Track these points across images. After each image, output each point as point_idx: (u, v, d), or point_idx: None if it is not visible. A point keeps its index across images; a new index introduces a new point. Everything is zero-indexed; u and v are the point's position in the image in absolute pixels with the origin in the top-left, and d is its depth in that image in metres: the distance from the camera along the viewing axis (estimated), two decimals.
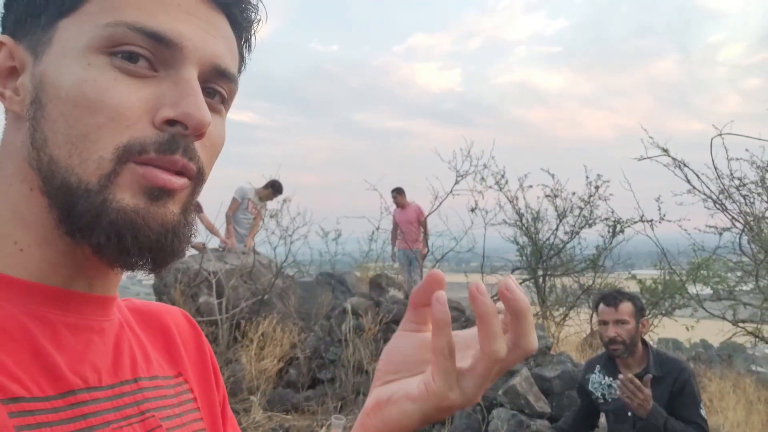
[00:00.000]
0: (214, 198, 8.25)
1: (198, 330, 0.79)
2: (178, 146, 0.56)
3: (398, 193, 8.86)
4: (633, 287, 9.50)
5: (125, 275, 0.64)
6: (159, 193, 0.55)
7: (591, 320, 8.99)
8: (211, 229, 8.05)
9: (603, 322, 3.03)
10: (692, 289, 9.15)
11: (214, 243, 8.12)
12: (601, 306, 3.07)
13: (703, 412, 2.90)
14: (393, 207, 9.15)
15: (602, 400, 3.08)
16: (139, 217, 0.54)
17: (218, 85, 0.61)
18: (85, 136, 0.54)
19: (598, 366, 3.15)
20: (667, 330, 9.55)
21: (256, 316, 6.95)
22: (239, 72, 0.66)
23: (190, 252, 7.98)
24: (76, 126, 0.54)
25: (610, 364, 3.09)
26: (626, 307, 3.01)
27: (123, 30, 0.55)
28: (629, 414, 2.93)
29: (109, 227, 0.54)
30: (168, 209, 0.56)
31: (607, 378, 3.07)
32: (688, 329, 9.28)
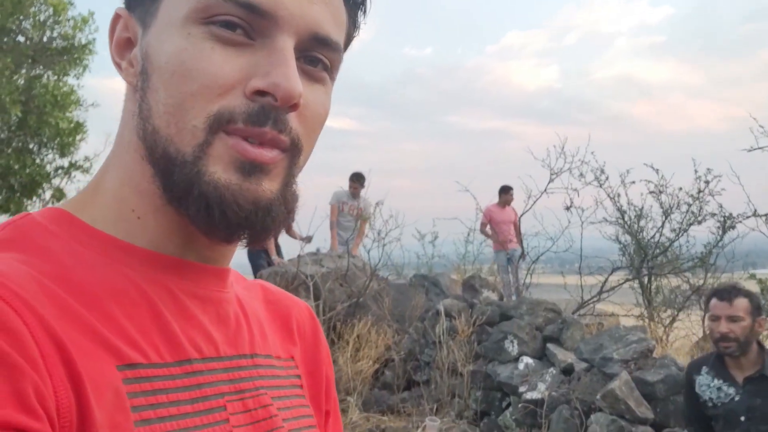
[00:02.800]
0: (310, 204, 8.46)
1: (318, 328, 0.78)
2: (268, 118, 0.54)
3: (505, 192, 8.69)
4: (753, 287, 8.86)
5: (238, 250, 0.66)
6: (251, 168, 0.55)
7: (703, 323, 8.44)
8: (295, 237, 8.19)
9: (714, 318, 2.84)
10: None
11: (310, 247, 8.35)
12: (714, 300, 2.88)
13: None
14: (486, 205, 9.00)
15: (711, 404, 2.87)
16: (228, 193, 0.54)
17: (320, 53, 0.59)
18: (180, 104, 0.54)
19: (705, 367, 2.94)
20: None
21: (351, 318, 7.07)
22: (351, 39, 0.64)
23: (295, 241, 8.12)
24: (173, 95, 0.55)
25: (718, 364, 2.88)
26: (742, 302, 2.82)
27: (217, 1, 0.54)
28: (742, 419, 2.73)
29: (199, 199, 0.54)
30: (262, 186, 0.55)
31: (716, 380, 2.87)
32: None
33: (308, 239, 7.96)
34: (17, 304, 0.47)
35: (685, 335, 8.39)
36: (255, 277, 7.68)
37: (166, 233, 0.59)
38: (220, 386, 0.57)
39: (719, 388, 2.85)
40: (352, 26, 0.64)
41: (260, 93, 0.55)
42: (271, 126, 0.55)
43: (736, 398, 2.78)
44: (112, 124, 0.61)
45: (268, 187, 0.56)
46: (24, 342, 0.45)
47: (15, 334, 0.45)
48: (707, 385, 2.89)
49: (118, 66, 0.61)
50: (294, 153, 0.58)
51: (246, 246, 0.61)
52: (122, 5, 0.62)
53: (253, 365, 0.63)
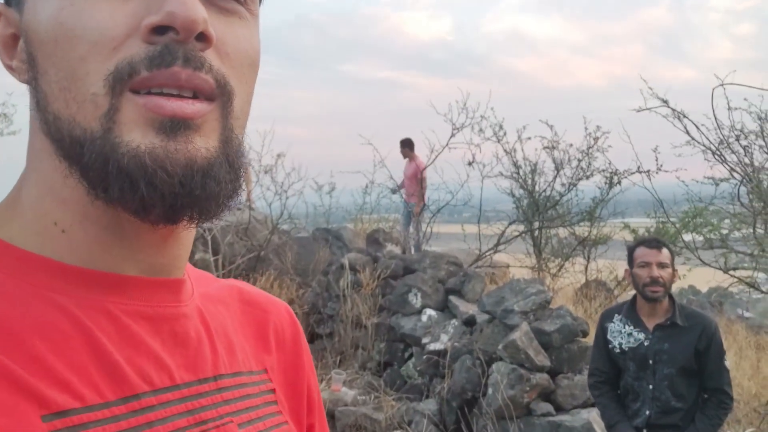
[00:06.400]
0: None
1: (299, 333, 0.70)
2: (175, 56, 0.45)
3: (403, 145, 8.74)
4: (626, 237, 9.55)
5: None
6: (173, 126, 0.45)
7: (586, 271, 9.05)
8: None
9: (644, 264, 2.99)
10: (686, 237, 9.19)
11: None
12: (642, 249, 3.04)
13: (727, 363, 2.97)
14: (391, 158, 9.05)
15: (619, 350, 3.07)
16: (150, 159, 0.44)
17: None
18: (72, 74, 0.45)
19: (617, 315, 3.12)
20: None
21: (252, 272, 6.94)
22: None
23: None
24: (62, 66, 0.45)
25: (632, 312, 3.07)
26: (666, 252, 3.02)
27: None
28: (650, 362, 2.94)
29: (119, 176, 0.44)
30: (194, 144, 0.46)
31: (627, 327, 3.05)
32: (680, 278, 9.36)
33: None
34: None
35: (569, 283, 8.97)
36: None
37: (100, 245, 0.50)
38: (176, 421, 0.50)
39: (630, 334, 3.04)
40: None
41: (158, 31, 0.45)
42: (182, 64, 0.45)
43: (645, 343, 2.98)
44: None
45: (203, 144, 0.47)
46: None
47: None
48: (618, 332, 3.08)
49: (10, 69, 0.52)
50: (225, 99, 0.49)
51: (199, 223, 0.51)
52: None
53: (216, 389, 0.55)
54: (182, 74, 0.45)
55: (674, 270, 3.04)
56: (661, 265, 2.98)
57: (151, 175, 0.44)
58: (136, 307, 0.51)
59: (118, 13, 0.45)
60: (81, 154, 0.45)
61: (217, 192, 0.48)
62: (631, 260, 3.10)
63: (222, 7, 0.50)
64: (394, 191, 9.31)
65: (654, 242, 3.08)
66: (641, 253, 3.05)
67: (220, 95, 0.48)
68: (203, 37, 0.46)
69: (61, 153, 0.47)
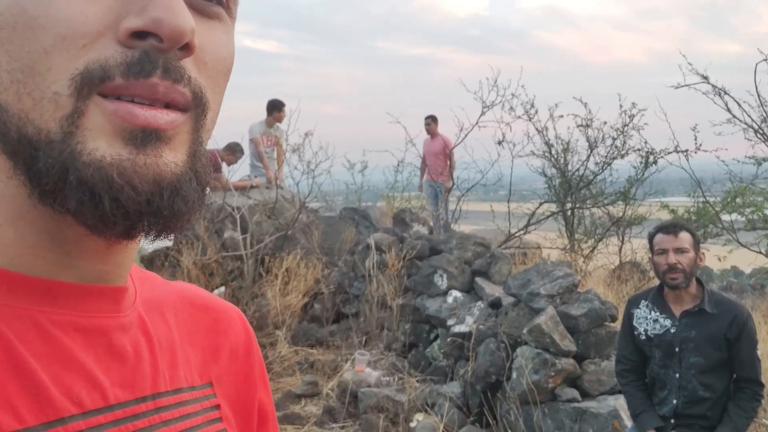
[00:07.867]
0: (236, 132, 8.07)
1: (252, 342, 0.66)
2: (155, 65, 0.41)
3: (432, 120, 8.63)
4: (665, 217, 9.27)
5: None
6: (144, 137, 0.42)
7: (620, 252, 8.83)
8: (228, 188, 7.74)
9: (661, 251, 2.91)
10: (726, 218, 8.89)
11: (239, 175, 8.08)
12: (660, 235, 2.96)
13: (758, 352, 2.87)
14: (422, 137, 8.96)
15: (644, 336, 2.98)
16: (117, 173, 0.41)
17: None
18: (31, 67, 0.40)
19: (644, 301, 3.03)
20: None
21: (280, 251, 6.95)
22: None
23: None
24: (18, 56, 0.40)
25: (658, 298, 2.98)
26: (686, 236, 2.92)
27: None
28: (676, 349, 2.86)
29: (80, 188, 0.40)
30: (163, 159, 0.43)
31: (653, 313, 2.96)
32: (720, 260, 9.07)
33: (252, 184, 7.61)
34: None
35: (602, 264, 8.76)
36: None
37: (32, 248, 0.45)
38: None
39: (656, 320, 2.95)
40: None
41: (138, 35, 0.41)
42: (161, 75, 0.42)
43: (672, 330, 2.89)
44: None
45: (172, 159, 0.43)
46: None
47: None
48: (644, 318, 2.99)
49: None
50: (198, 111, 0.45)
51: (155, 239, 0.47)
52: None
53: (155, 409, 0.50)
54: (160, 86, 0.42)
55: (698, 254, 2.92)
56: (680, 251, 2.88)
57: (117, 191, 0.41)
58: (69, 317, 0.46)
59: (92, 7, 0.40)
60: (34, 158, 0.41)
61: (184, 211, 0.45)
62: (651, 248, 3.00)
63: (205, 10, 0.46)
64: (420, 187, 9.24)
65: (671, 227, 2.96)
66: (659, 239, 2.96)
67: (195, 107, 0.45)
68: (186, 47, 0.43)
69: (4, 148, 0.43)
